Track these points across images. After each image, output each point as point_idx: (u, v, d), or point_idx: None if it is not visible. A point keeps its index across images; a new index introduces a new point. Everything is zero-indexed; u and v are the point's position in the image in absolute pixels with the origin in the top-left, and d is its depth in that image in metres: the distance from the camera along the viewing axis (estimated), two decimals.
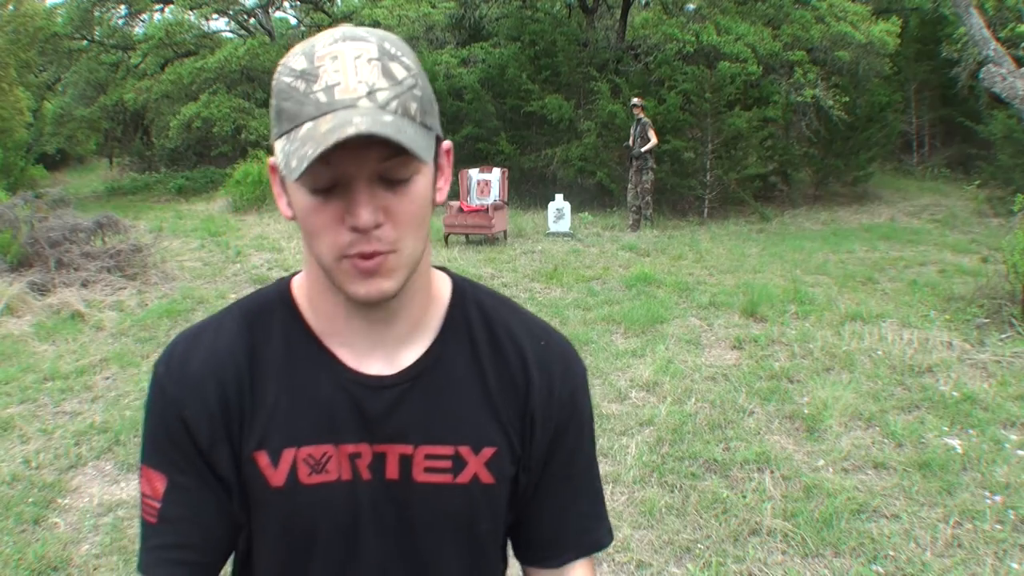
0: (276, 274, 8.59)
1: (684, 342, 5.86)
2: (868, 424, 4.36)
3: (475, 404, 0.91)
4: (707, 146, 12.81)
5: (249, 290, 7.07)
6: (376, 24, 16.21)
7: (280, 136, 0.78)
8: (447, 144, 0.88)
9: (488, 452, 0.90)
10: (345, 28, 0.80)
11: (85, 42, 20.10)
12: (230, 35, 22.03)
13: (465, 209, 10.45)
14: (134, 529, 3.41)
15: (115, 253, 8.12)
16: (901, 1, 16.93)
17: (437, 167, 0.85)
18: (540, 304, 7.12)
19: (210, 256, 9.84)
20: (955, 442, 4.06)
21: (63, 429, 4.45)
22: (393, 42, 0.79)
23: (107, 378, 5.36)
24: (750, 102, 13.37)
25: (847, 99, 13.57)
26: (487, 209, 10.38)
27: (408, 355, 0.90)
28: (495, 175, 10.95)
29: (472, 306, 0.94)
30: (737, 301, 6.89)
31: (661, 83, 13.66)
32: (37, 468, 3.98)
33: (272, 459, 0.86)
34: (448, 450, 0.89)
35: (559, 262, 8.98)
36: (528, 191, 13.84)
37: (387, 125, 0.73)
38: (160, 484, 0.88)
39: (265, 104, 18.64)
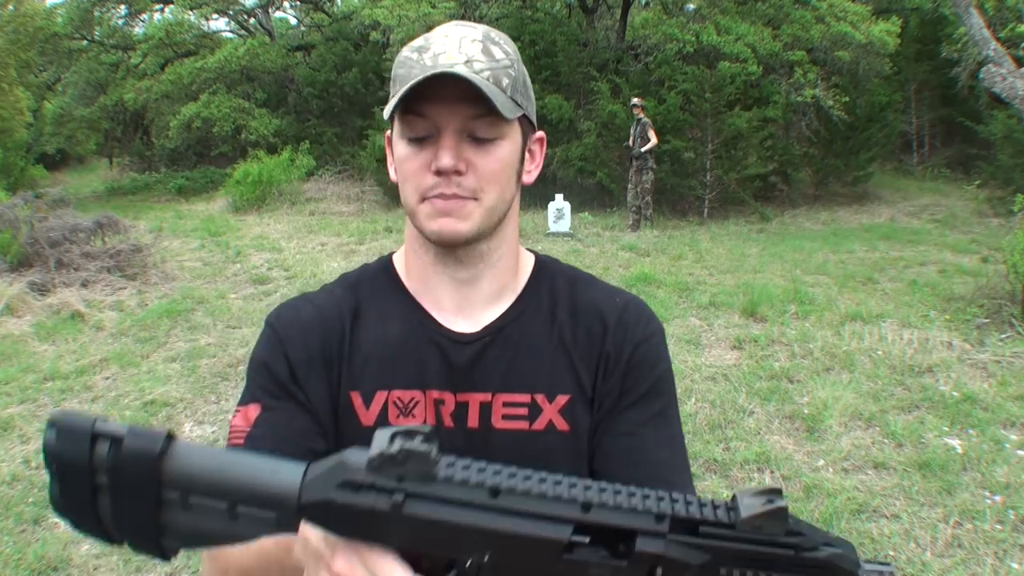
0: (276, 274, 8.59)
1: (684, 342, 5.86)
2: (868, 424, 4.36)
3: (551, 355, 0.97)
4: (707, 146, 12.81)
5: (250, 290, 7.04)
6: (376, 24, 16.20)
7: (392, 98, 0.89)
8: (540, 133, 1.01)
9: (562, 400, 0.95)
10: (460, 20, 0.94)
11: (85, 42, 20.09)
12: (230, 35, 22.02)
13: None
14: None
15: (115, 253, 8.12)
16: (901, 1, 16.92)
17: (527, 150, 0.97)
18: None
19: (210, 256, 9.84)
20: (955, 442, 4.06)
21: None
22: (498, 33, 0.93)
23: (107, 378, 5.36)
24: (750, 102, 13.37)
25: (847, 99, 13.57)
26: None
27: (490, 314, 0.98)
28: None
29: (555, 273, 1.03)
30: (737, 301, 6.89)
31: (661, 83, 13.65)
32: (37, 468, 3.98)
33: (365, 400, 0.94)
34: (524, 397, 0.95)
35: None
36: (528, 191, 13.81)
37: (477, 79, 0.84)
38: (254, 412, 0.95)
39: (265, 104, 18.64)
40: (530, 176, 0.98)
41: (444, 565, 0.60)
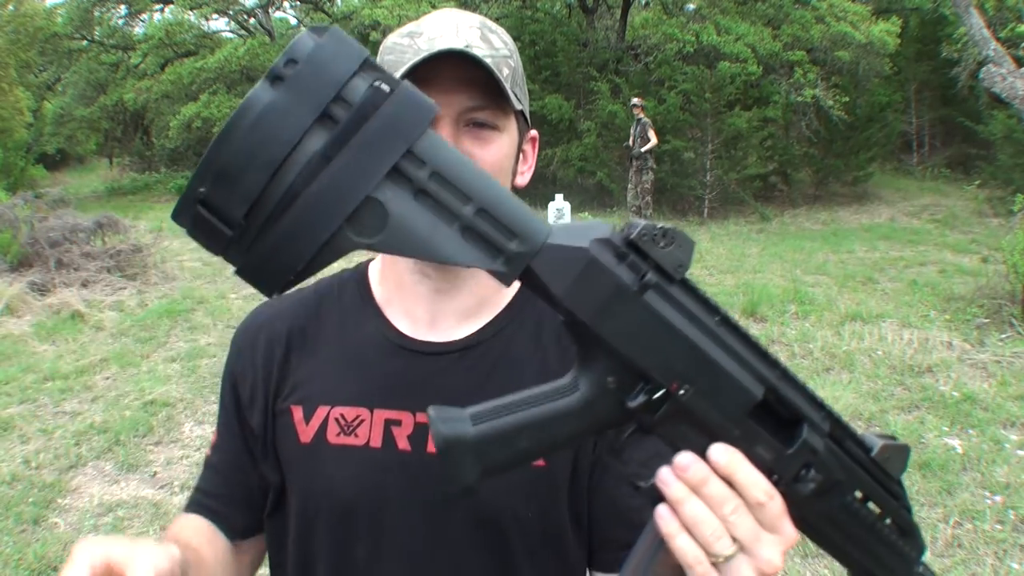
0: None
1: None
2: (868, 424, 4.36)
3: (530, 381, 0.83)
4: (707, 146, 12.81)
5: (250, 290, 7.01)
6: (376, 24, 16.20)
7: None
8: (533, 133, 0.93)
9: None
10: (451, 9, 0.87)
11: (85, 42, 20.08)
12: (230, 35, 22.01)
13: None
14: (134, 529, 3.41)
15: (115, 253, 8.12)
16: (901, 1, 16.92)
17: (521, 149, 0.89)
18: None
19: (210, 256, 9.73)
20: (955, 442, 4.06)
21: (63, 429, 4.45)
22: (493, 23, 0.86)
23: (107, 378, 5.36)
24: (750, 102, 13.37)
25: (847, 99, 13.57)
26: None
27: (465, 329, 0.89)
28: None
29: None
30: (737, 301, 6.89)
31: (661, 83, 13.66)
32: (37, 468, 3.98)
33: (305, 414, 0.87)
34: None
35: None
36: (528, 191, 13.81)
37: (478, 55, 0.77)
38: (215, 437, 0.97)
39: None
40: (523, 177, 0.91)
41: (633, 378, 0.56)
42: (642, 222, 0.55)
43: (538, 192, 13.58)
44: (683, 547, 0.56)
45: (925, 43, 16.07)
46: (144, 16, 21.01)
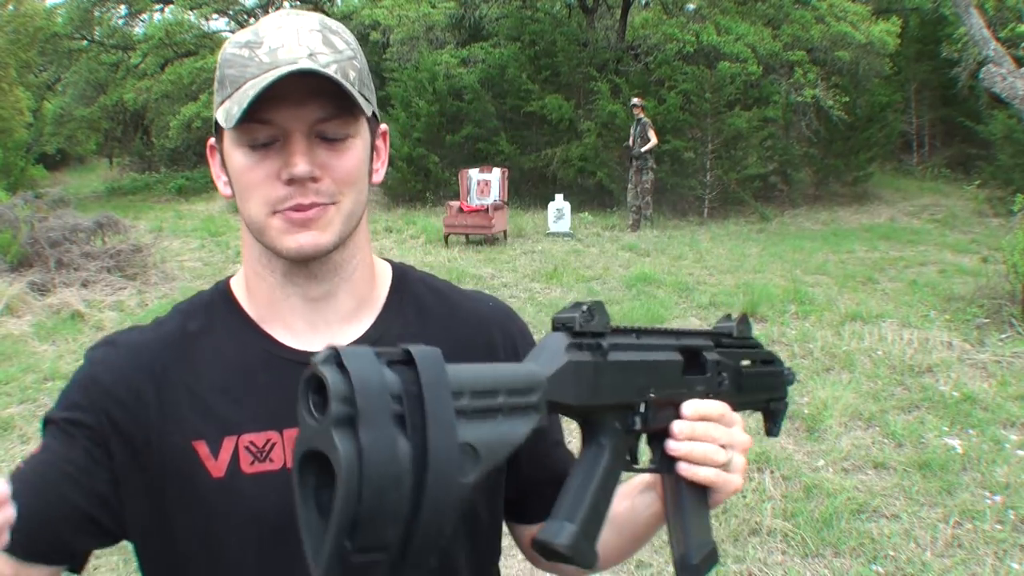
0: None
1: None
2: (868, 424, 4.36)
3: None
4: (707, 146, 12.81)
5: None
6: (376, 24, 16.20)
7: (222, 102, 0.79)
8: (383, 127, 0.90)
9: None
10: (288, 9, 0.83)
11: (85, 42, 20.10)
12: (230, 35, 22.02)
13: (465, 209, 10.45)
14: None
15: (115, 253, 8.12)
16: (901, 1, 16.91)
17: (374, 147, 0.87)
18: (540, 304, 7.12)
19: (210, 256, 9.84)
20: (955, 442, 4.06)
21: None
22: (333, 22, 0.83)
23: None
24: (750, 102, 13.37)
25: (847, 99, 13.57)
26: (487, 209, 10.38)
27: (351, 333, 0.88)
28: (495, 175, 10.95)
29: (416, 282, 0.95)
30: (737, 301, 6.89)
31: (661, 83, 13.65)
32: None
33: (212, 448, 0.82)
34: None
35: (559, 262, 8.98)
36: (528, 191, 13.84)
37: (332, 75, 0.76)
38: (38, 448, 0.87)
39: None
40: (378, 175, 0.88)
41: (625, 411, 0.76)
42: (567, 314, 0.72)
43: (538, 192, 13.59)
44: (702, 473, 0.78)
45: (925, 43, 16.07)
46: (144, 16, 21.04)
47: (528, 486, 0.96)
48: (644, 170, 11.44)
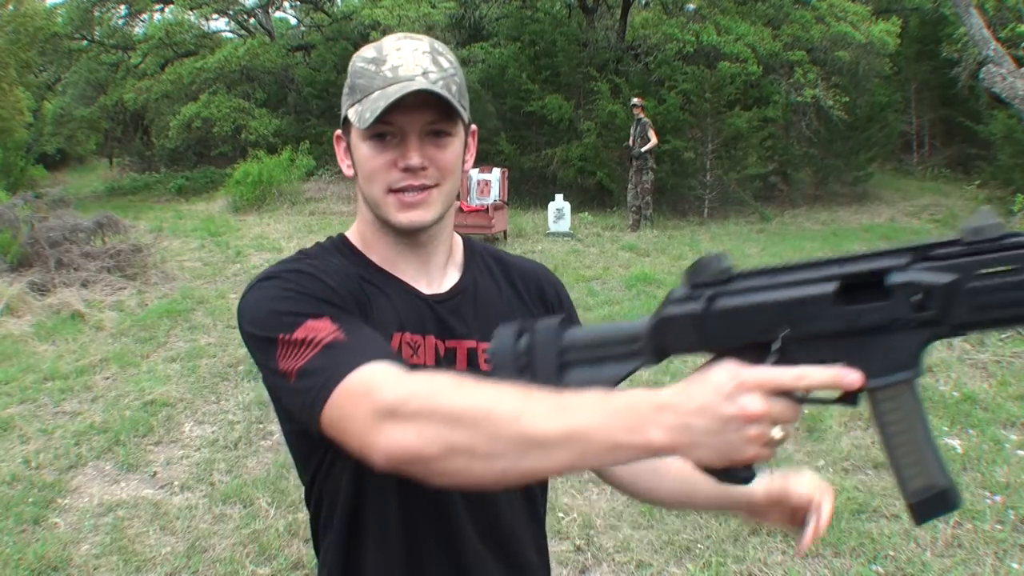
0: None
1: None
2: (868, 424, 4.36)
3: (510, 308, 1.15)
4: (707, 146, 12.81)
5: None
6: (376, 24, 16.20)
7: (352, 105, 1.03)
8: (474, 127, 1.14)
9: None
10: (404, 33, 1.08)
11: (85, 42, 20.07)
12: (230, 35, 22.01)
13: (465, 209, 10.44)
14: (134, 529, 3.41)
15: (115, 253, 8.12)
16: (901, 1, 16.92)
17: (466, 143, 1.10)
18: None
19: (210, 256, 9.84)
20: (955, 442, 4.06)
21: (63, 429, 4.45)
22: (439, 44, 1.07)
23: (107, 378, 5.36)
24: (750, 102, 13.37)
25: (847, 99, 13.57)
26: (487, 209, 10.38)
27: (449, 278, 1.14)
28: (495, 175, 10.95)
29: (480, 247, 1.23)
30: None
31: (661, 83, 13.66)
32: (37, 468, 3.98)
33: (385, 337, 1.02)
34: None
35: (559, 262, 8.98)
36: (528, 191, 13.84)
37: (442, 91, 1.00)
38: (327, 321, 0.95)
39: (265, 104, 18.62)
40: (467, 165, 1.12)
41: (759, 351, 0.77)
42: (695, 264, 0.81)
43: (538, 192, 13.59)
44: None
45: (925, 43, 16.08)
46: (144, 16, 21.01)
47: None
48: (644, 170, 11.44)
